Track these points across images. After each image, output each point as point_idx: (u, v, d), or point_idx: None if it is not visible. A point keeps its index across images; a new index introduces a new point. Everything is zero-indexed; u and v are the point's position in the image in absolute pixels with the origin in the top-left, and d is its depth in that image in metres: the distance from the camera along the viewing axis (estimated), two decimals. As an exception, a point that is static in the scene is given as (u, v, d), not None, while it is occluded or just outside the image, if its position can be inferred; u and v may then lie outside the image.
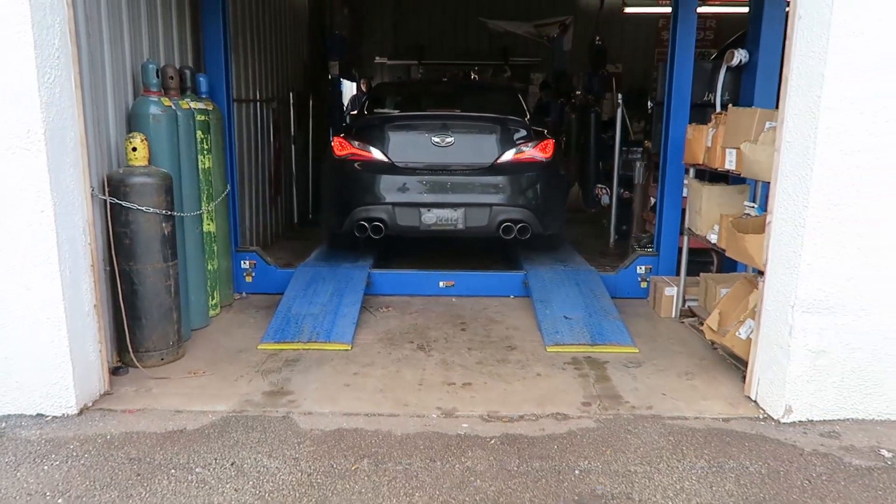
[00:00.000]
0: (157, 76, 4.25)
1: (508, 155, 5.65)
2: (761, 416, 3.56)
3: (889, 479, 2.97)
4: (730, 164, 4.23)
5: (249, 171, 6.80)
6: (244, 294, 5.64)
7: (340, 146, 5.74)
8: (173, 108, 4.36)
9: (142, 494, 2.81)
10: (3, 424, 3.37)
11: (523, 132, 5.82)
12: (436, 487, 2.87)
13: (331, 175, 5.89)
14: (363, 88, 12.04)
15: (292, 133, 8.20)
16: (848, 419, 3.47)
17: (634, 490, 2.87)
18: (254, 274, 5.67)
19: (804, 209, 3.27)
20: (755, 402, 3.69)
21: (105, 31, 3.99)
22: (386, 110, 6.66)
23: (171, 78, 4.47)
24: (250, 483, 2.90)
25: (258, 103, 7.08)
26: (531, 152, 5.70)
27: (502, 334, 4.79)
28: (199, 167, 4.75)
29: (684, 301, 5.18)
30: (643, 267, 5.66)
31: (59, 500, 2.77)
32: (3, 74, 3.07)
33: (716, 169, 4.45)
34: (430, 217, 5.48)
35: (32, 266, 3.29)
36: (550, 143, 5.82)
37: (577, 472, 3.00)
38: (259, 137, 7.15)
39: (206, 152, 4.82)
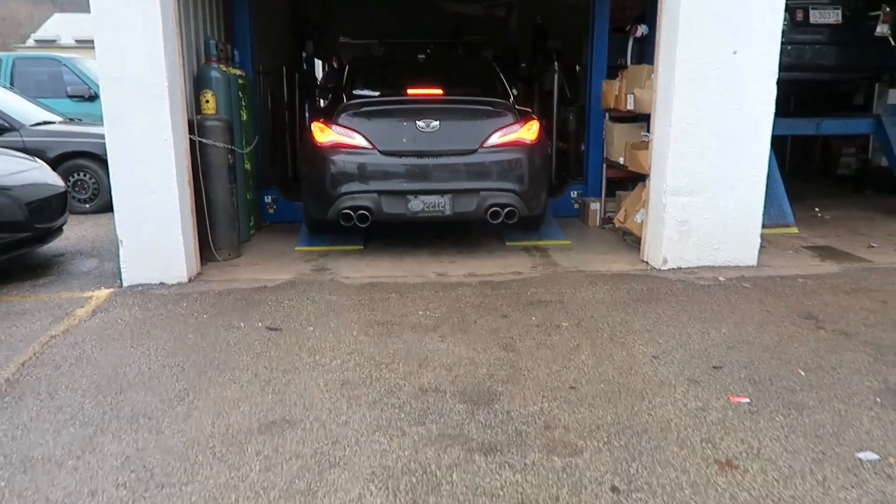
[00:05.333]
0: (216, 49, 5.77)
1: (495, 138, 5.51)
2: (648, 268, 5.37)
3: (719, 290, 4.81)
4: (630, 105, 6.00)
5: (261, 129, 8.29)
6: (268, 222, 7.21)
7: (321, 132, 5.55)
8: (227, 72, 5.89)
9: (254, 312, 4.43)
10: (140, 287, 4.93)
11: (509, 115, 5.65)
12: (441, 301, 4.58)
13: (312, 162, 5.67)
14: (335, 65, 13.54)
15: (285, 101, 9.69)
16: (703, 266, 5.31)
17: (564, 298, 4.64)
18: (275, 206, 7.24)
19: (669, 128, 5.05)
20: (645, 261, 5.50)
21: (182, 16, 5.48)
22: (367, 93, 6.23)
23: (222, 51, 5.98)
24: (323, 305, 4.55)
25: (261, 75, 8.55)
26: (517, 135, 5.57)
27: (473, 238, 6.50)
28: (241, 119, 6.29)
29: (605, 213, 6.98)
30: (576, 192, 7.45)
31: (205, 316, 4.37)
32: (143, 47, 4.61)
33: (622, 110, 6.22)
34: (417, 204, 5.43)
35: (158, 178, 4.84)
36: (536, 124, 5.73)
37: (528, 292, 4.75)
38: (265, 103, 8.63)
39: (244, 108, 6.36)
